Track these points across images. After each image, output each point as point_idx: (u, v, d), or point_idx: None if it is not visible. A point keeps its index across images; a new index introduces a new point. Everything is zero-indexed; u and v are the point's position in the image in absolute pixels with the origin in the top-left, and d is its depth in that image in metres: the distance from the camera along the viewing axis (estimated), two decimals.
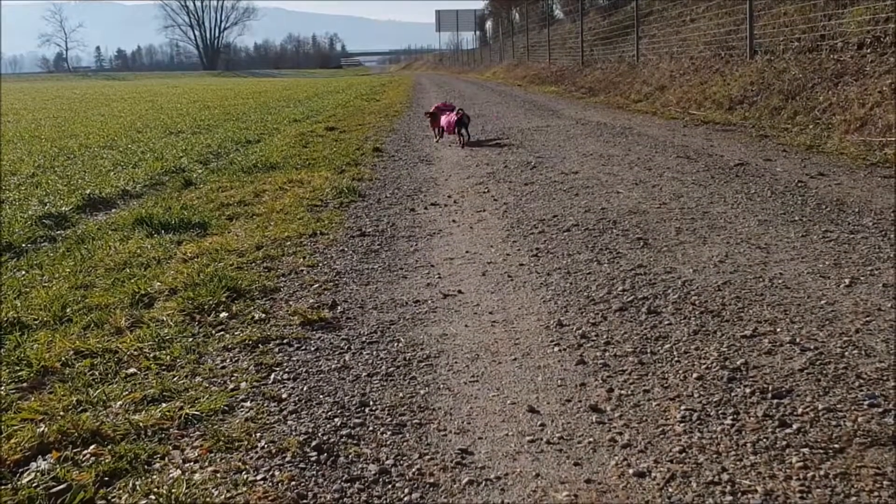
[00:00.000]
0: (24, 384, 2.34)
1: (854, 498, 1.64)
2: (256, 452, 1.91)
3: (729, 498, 1.66)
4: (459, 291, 3.21)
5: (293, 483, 1.77)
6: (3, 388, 2.30)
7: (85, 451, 1.92)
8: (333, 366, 2.46)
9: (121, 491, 1.75)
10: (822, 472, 1.74)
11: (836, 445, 1.85)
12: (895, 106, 6.83)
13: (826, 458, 1.80)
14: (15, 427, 2.04)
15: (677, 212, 4.46)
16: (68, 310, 3.00)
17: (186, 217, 4.62)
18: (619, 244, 3.81)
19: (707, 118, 9.67)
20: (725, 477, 1.73)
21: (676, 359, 2.40)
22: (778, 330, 2.59)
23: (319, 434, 2.00)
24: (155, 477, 1.80)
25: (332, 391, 2.27)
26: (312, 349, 2.61)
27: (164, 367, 2.44)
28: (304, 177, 6.18)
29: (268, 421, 2.08)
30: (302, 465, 1.86)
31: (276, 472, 1.82)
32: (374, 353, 2.57)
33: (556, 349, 2.53)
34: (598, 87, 16.21)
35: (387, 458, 1.88)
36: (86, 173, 6.74)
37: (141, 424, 2.04)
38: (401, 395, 2.24)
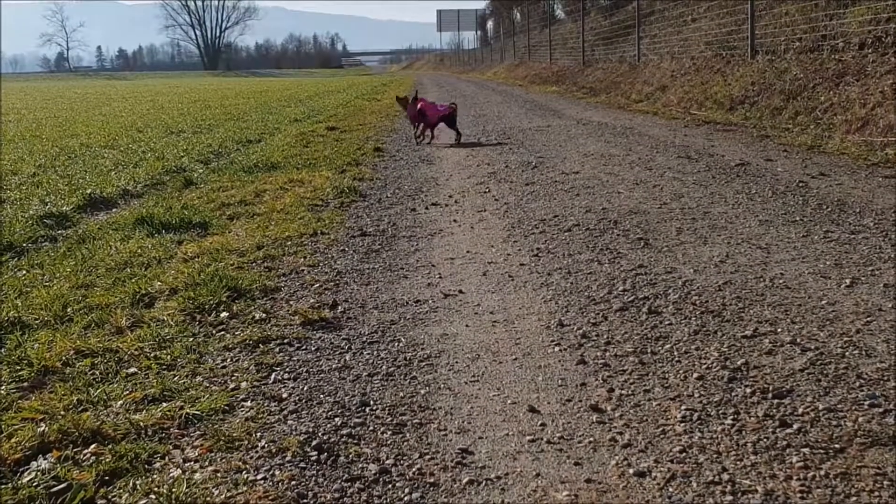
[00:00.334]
0: (25, 384, 2.34)
1: (854, 498, 1.64)
2: (257, 452, 1.91)
3: (729, 498, 1.66)
4: (460, 291, 3.21)
5: (293, 483, 1.78)
6: (3, 387, 2.31)
7: (85, 451, 1.92)
8: (334, 365, 2.46)
9: (121, 490, 1.75)
10: (822, 472, 1.74)
11: (837, 445, 1.85)
12: None
13: (826, 458, 1.80)
14: (15, 426, 2.05)
15: (678, 212, 4.46)
16: (69, 309, 3.00)
17: (187, 217, 4.62)
18: (619, 244, 3.81)
19: (708, 118, 9.67)
20: (726, 477, 1.73)
21: (677, 359, 2.40)
22: (778, 330, 2.59)
23: (320, 434, 2.00)
24: (155, 476, 1.80)
25: (332, 391, 2.27)
26: (313, 349, 2.61)
27: (164, 367, 2.44)
28: (304, 176, 6.18)
29: (268, 420, 2.08)
30: (302, 464, 1.86)
31: (277, 472, 1.82)
32: (375, 352, 2.57)
33: (556, 349, 2.53)
34: (600, 87, 16.21)
35: (387, 458, 1.88)
36: (87, 173, 6.74)
37: (141, 424, 2.04)
38: (401, 394, 2.24)
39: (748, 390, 2.15)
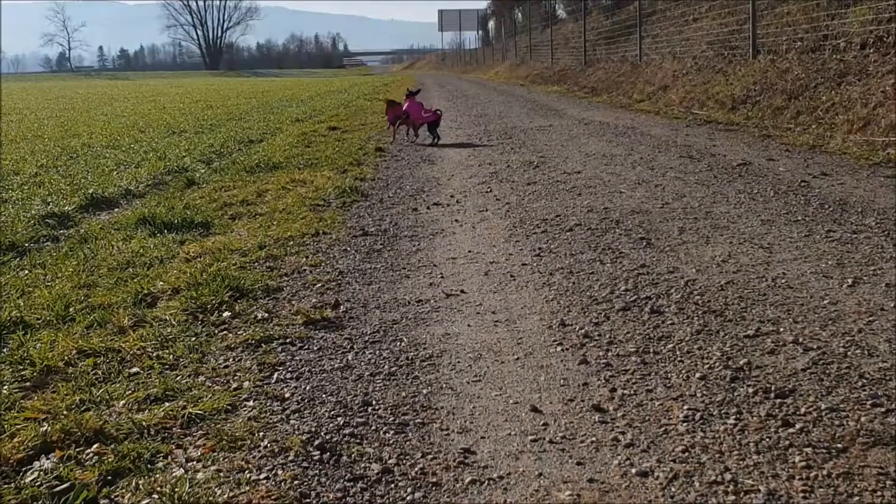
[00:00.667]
0: (28, 383, 2.34)
1: (857, 498, 1.64)
2: (259, 451, 1.91)
3: (732, 497, 1.66)
4: (462, 291, 3.21)
5: (296, 482, 1.78)
6: (6, 387, 2.31)
7: (88, 451, 1.92)
8: (336, 365, 2.47)
9: (124, 490, 1.76)
10: (824, 472, 1.74)
11: (839, 445, 1.85)
12: None
13: (829, 457, 1.80)
14: (18, 426, 2.05)
15: (680, 211, 4.46)
16: (71, 309, 3.01)
17: (189, 217, 4.63)
18: (621, 244, 3.81)
19: (710, 118, 9.67)
20: (728, 476, 1.73)
21: (679, 358, 2.40)
22: (781, 330, 2.58)
23: (322, 433, 2.01)
24: (158, 476, 1.80)
25: (334, 390, 2.27)
26: (315, 348, 2.61)
27: (167, 367, 2.45)
28: (306, 176, 6.19)
29: (271, 420, 2.09)
30: (305, 464, 1.86)
31: (279, 472, 1.82)
32: (377, 352, 2.57)
33: (558, 349, 2.53)
34: (601, 87, 16.20)
35: (389, 458, 1.88)
36: (88, 173, 6.75)
37: (144, 423, 2.04)
38: (403, 394, 2.24)
39: (750, 390, 2.15)
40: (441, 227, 4.46)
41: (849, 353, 2.37)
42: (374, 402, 2.18)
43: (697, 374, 2.27)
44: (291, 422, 2.08)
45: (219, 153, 8.16)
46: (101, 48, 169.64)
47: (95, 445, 1.94)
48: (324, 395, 2.24)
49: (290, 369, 2.43)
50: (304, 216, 4.68)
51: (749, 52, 11.08)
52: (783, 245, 3.65)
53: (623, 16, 19.58)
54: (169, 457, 1.90)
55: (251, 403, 2.19)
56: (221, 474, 1.81)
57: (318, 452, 1.91)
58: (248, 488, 1.74)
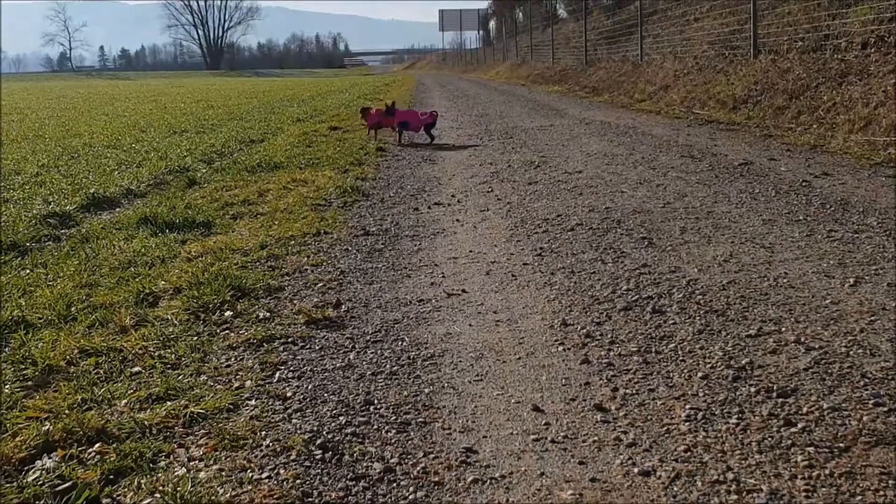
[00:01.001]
0: (30, 382, 2.35)
1: (859, 497, 1.64)
2: (261, 451, 1.91)
3: (734, 497, 1.66)
4: (463, 290, 3.21)
5: (298, 481, 1.78)
6: (8, 386, 2.31)
7: (90, 450, 1.92)
8: (338, 364, 2.47)
9: (126, 489, 1.76)
10: (827, 472, 1.73)
11: (842, 444, 1.85)
12: None
13: (831, 457, 1.80)
14: (20, 425, 2.05)
15: (682, 211, 4.46)
16: (73, 308, 3.01)
17: (191, 216, 4.63)
18: (623, 243, 3.81)
19: (711, 118, 9.66)
20: (730, 476, 1.73)
21: (681, 358, 2.40)
22: (783, 329, 2.58)
23: (324, 432, 2.01)
24: (160, 475, 1.80)
25: (336, 390, 2.28)
26: (317, 348, 2.61)
27: (168, 366, 2.45)
28: (307, 176, 6.19)
29: (273, 419, 2.09)
30: (307, 463, 1.86)
31: (281, 471, 1.82)
32: (379, 351, 2.57)
33: (560, 348, 2.53)
34: (602, 87, 16.20)
35: (391, 457, 1.88)
36: (90, 172, 6.75)
37: (146, 423, 2.04)
38: (405, 393, 2.24)
39: (752, 389, 2.15)
40: (442, 226, 4.46)
41: (851, 352, 2.37)
42: (375, 402, 2.18)
43: (699, 374, 2.27)
44: (293, 421, 2.08)
45: (220, 153, 8.17)
46: (102, 48, 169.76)
47: (97, 444, 1.94)
48: (325, 395, 2.24)
49: (291, 368, 2.43)
50: (306, 216, 4.68)
51: (750, 51, 11.07)
52: (785, 245, 3.65)
53: (624, 15, 19.58)
54: (171, 456, 1.90)
55: (253, 403, 2.19)
56: (223, 473, 1.81)
57: (319, 451, 1.91)
58: (250, 487, 1.74)
